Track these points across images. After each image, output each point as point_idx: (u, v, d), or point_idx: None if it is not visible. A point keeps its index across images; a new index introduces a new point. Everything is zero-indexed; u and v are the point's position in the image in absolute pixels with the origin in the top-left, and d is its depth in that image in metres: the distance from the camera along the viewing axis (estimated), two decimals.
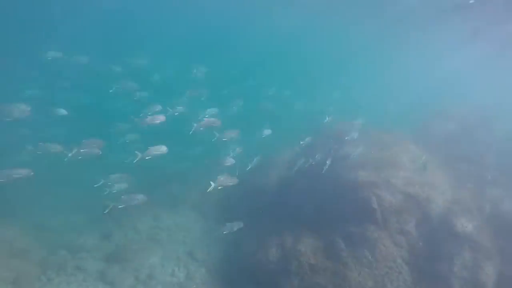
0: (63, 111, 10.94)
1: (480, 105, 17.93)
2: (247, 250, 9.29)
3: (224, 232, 8.70)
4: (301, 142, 10.25)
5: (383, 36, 26.94)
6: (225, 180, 8.57)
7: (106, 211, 7.89)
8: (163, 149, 9.02)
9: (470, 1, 15.36)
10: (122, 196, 8.13)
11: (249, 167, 10.50)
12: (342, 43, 32.29)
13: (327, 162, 10.35)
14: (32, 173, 8.06)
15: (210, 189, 8.12)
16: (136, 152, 8.74)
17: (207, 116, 10.72)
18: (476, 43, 22.98)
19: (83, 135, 9.49)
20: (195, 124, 9.90)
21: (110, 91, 12.16)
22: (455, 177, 11.06)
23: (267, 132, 12.10)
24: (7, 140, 12.10)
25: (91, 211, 12.09)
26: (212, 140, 10.22)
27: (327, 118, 12.98)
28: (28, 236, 9.92)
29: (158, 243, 10.66)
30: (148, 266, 9.48)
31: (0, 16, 23.01)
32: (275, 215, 9.54)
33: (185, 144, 13.68)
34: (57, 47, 13.65)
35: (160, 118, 9.98)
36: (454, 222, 8.74)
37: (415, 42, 27.17)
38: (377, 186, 9.08)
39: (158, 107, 10.76)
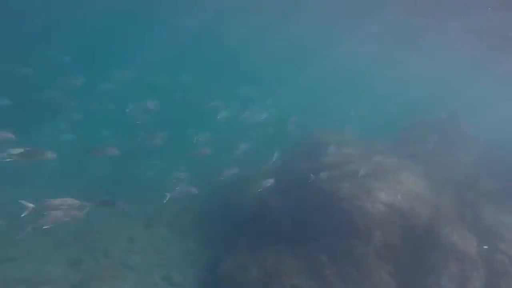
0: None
1: (454, 111, 18.30)
2: (226, 272, 8.73)
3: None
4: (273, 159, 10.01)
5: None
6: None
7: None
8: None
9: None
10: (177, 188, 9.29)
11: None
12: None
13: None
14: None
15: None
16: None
17: None
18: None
19: None
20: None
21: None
22: (436, 185, 10.98)
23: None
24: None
25: (58, 233, 11.24)
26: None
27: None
28: None
29: (132, 269, 9.91)
30: None
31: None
32: (254, 232, 9.06)
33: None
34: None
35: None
36: (439, 232, 8.55)
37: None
38: (359, 198, 8.80)
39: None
